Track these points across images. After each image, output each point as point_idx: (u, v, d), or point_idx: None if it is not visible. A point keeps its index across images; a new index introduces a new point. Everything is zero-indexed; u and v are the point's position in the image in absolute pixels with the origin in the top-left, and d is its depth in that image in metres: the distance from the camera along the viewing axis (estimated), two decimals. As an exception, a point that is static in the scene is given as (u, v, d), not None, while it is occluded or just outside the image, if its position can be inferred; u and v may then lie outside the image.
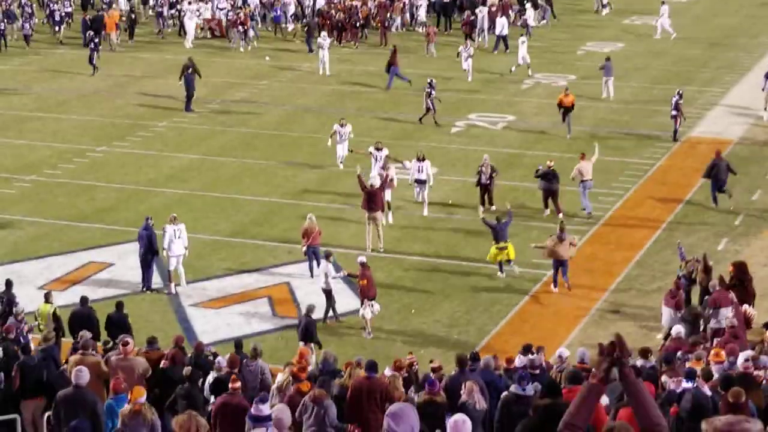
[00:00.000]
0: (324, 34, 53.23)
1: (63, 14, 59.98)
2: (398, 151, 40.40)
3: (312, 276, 30.42)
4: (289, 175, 38.82)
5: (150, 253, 29.78)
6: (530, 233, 32.63)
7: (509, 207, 31.76)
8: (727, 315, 24.39)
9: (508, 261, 30.33)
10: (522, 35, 53.68)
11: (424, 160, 34.40)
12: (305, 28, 57.23)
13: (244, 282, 30.57)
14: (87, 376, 17.72)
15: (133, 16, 59.08)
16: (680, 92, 41.87)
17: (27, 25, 58.22)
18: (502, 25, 55.99)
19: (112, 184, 38.16)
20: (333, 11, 59.48)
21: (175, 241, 29.84)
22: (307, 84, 50.54)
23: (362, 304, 27.32)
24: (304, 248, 30.49)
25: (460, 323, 27.98)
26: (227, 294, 29.88)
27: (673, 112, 41.48)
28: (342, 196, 36.61)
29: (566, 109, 41.74)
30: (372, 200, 32.03)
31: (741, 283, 26.52)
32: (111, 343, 23.24)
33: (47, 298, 25.78)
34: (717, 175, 34.86)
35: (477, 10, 58.95)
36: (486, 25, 57.83)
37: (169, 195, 36.66)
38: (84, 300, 25.51)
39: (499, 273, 30.59)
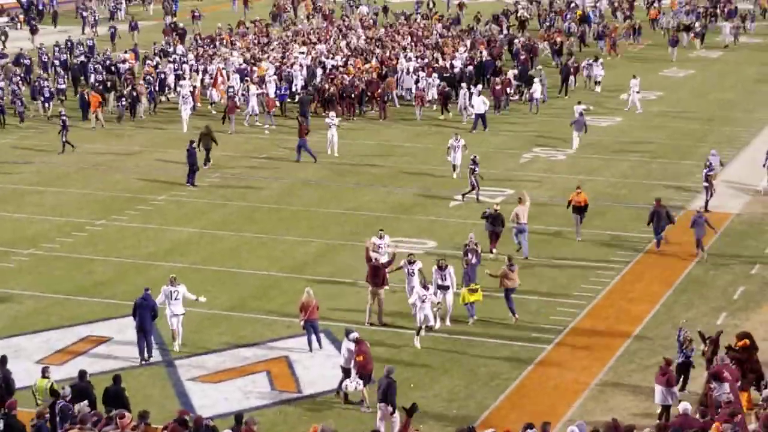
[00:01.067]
0: (332, 114, 52.46)
1: (52, 91, 59.97)
2: (397, 225, 40.60)
3: (311, 350, 30.37)
4: (288, 249, 38.85)
5: (148, 323, 29.91)
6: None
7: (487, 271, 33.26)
8: (725, 390, 24.39)
9: (472, 304, 32.08)
10: (579, 102, 54.49)
11: (446, 268, 32.50)
12: (298, 104, 56.98)
13: (242, 356, 30.46)
14: (84, 451, 17.65)
15: (135, 93, 59.19)
16: (709, 163, 42.49)
17: (18, 102, 58.34)
18: (480, 103, 55.65)
19: (110, 257, 38.17)
20: (327, 85, 59.69)
21: (173, 303, 30.66)
22: (306, 157, 50.65)
23: (353, 377, 27.23)
24: (302, 322, 30.44)
25: (459, 397, 27.85)
26: (225, 368, 29.76)
27: (705, 184, 42.16)
28: (341, 269, 36.66)
29: (579, 209, 39.13)
30: (376, 275, 32.17)
31: (751, 353, 26.60)
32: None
33: (44, 373, 25.67)
34: (657, 221, 37.76)
35: (462, 85, 58.78)
36: (467, 103, 57.32)
37: (167, 268, 36.56)
38: (82, 374, 25.41)
39: (470, 319, 32.13)
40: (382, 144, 53.05)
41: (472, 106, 56.14)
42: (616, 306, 33.74)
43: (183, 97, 56.82)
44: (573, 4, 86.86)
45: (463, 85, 58.55)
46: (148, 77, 61.28)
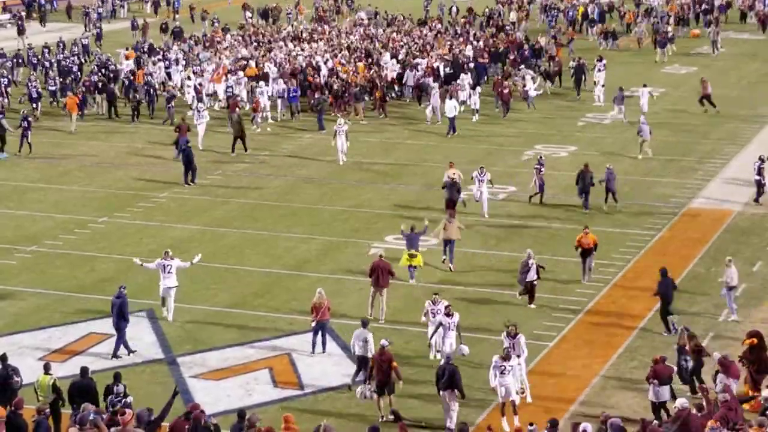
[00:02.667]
0: (341, 120, 50.72)
1: (40, 91, 59.50)
2: (398, 221, 40.59)
3: (313, 350, 30.29)
4: (290, 246, 38.88)
5: (122, 320, 30.19)
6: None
7: (426, 223, 35.77)
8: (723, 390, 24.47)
9: (413, 267, 34.64)
10: (645, 85, 57.55)
11: (516, 336, 28.09)
12: (317, 106, 56.43)
13: (244, 353, 30.49)
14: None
15: (138, 97, 59.06)
16: (762, 157, 42.94)
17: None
18: (451, 107, 54.78)
19: (112, 255, 38.21)
20: (331, 80, 59.79)
21: (167, 276, 32.09)
22: (308, 155, 50.70)
23: (366, 382, 27.15)
24: (313, 323, 30.30)
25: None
26: (228, 365, 29.81)
27: (756, 177, 42.70)
28: (343, 267, 36.68)
29: (585, 251, 35.45)
30: (380, 275, 32.29)
31: (760, 353, 26.70)
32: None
33: (47, 370, 25.75)
34: (582, 183, 41.61)
35: (435, 85, 58.32)
36: (437, 103, 56.45)
37: (169, 266, 36.65)
38: (84, 371, 25.46)
39: (410, 280, 34.66)
40: (383, 141, 53.07)
41: (435, 107, 56.19)
42: (617, 303, 33.76)
43: (198, 111, 53.76)
44: (548, 6, 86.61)
45: (435, 85, 58.20)
46: (129, 76, 61.39)
